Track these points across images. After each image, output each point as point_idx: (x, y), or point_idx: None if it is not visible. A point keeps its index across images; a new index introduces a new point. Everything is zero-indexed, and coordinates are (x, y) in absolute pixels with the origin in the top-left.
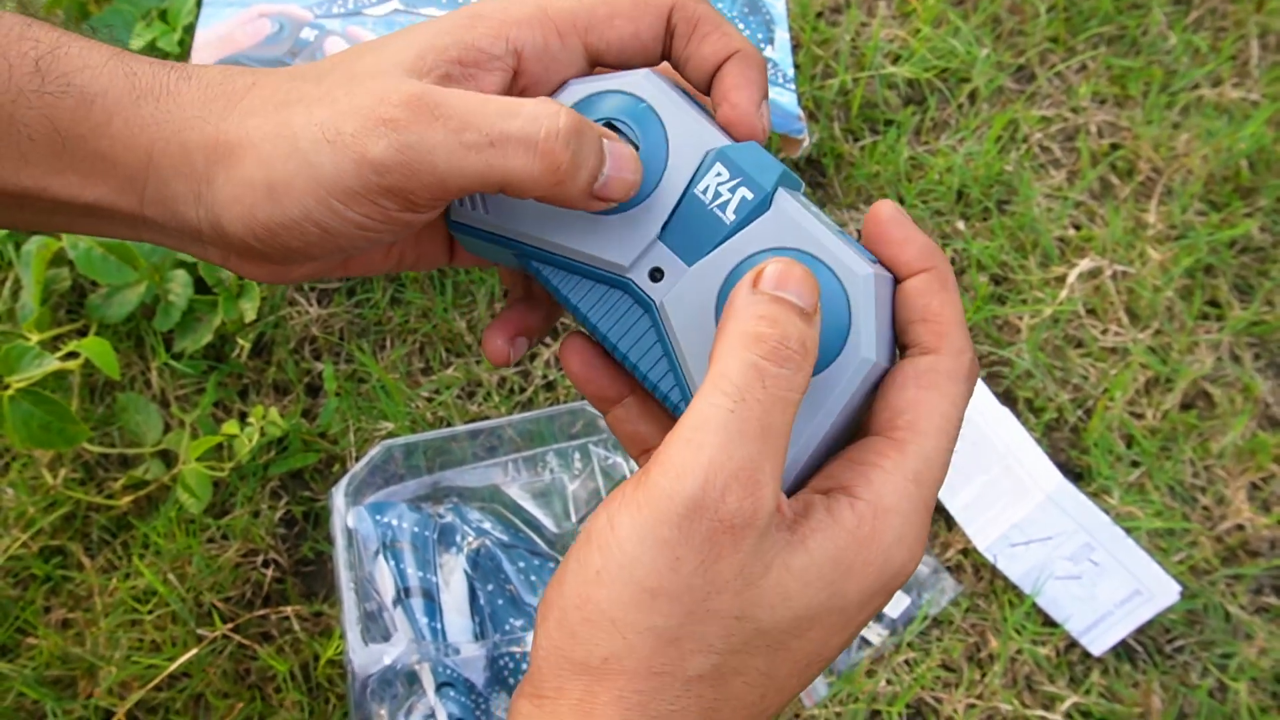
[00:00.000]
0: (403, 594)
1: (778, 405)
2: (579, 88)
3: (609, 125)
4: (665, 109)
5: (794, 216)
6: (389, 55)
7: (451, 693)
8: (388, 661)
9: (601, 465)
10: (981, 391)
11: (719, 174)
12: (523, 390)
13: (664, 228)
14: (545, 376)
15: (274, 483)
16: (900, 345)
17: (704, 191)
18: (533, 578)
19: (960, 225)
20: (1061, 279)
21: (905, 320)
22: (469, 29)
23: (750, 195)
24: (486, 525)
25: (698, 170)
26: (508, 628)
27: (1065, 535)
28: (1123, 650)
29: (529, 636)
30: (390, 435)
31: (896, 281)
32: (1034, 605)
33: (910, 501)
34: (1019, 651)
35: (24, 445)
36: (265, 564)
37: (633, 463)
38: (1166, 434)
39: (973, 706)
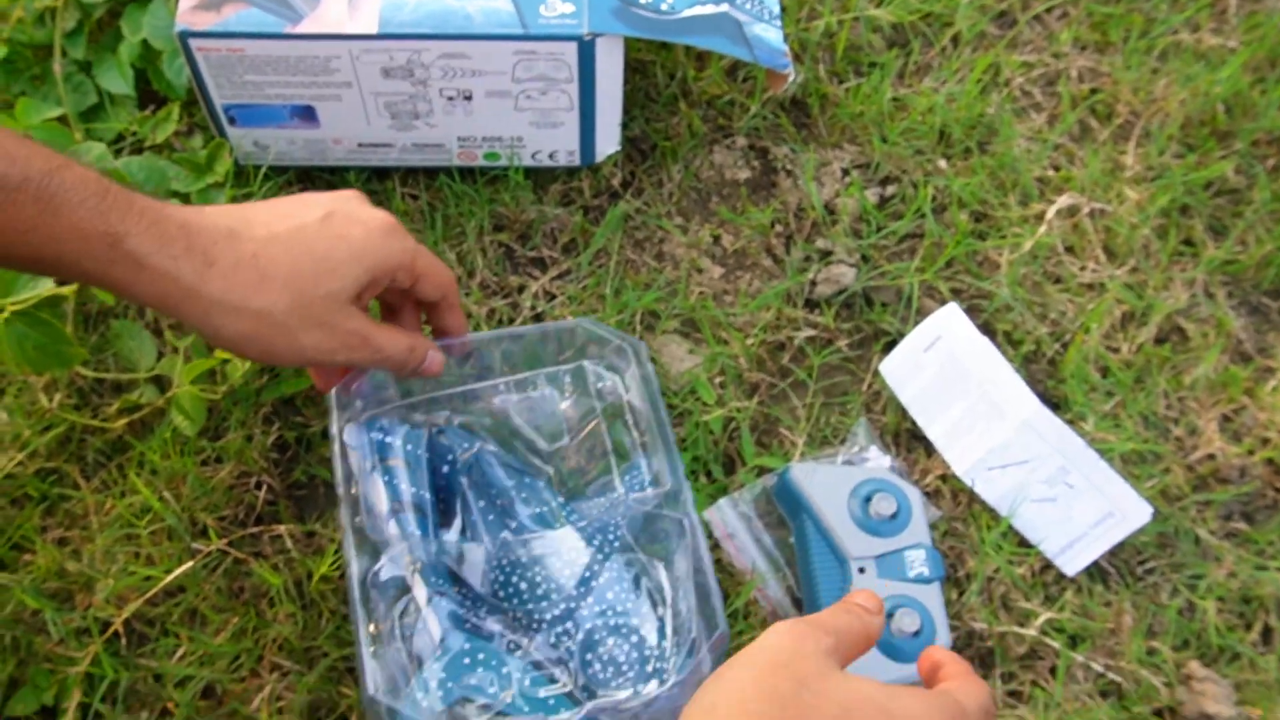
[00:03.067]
0: (397, 507)
1: None
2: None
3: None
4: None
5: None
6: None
7: (444, 602)
8: (383, 572)
9: (595, 386)
10: (961, 321)
11: (917, 557)
12: (511, 320)
13: (877, 557)
14: (534, 308)
15: (266, 408)
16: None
17: (912, 561)
18: (524, 494)
19: (942, 164)
20: (1040, 216)
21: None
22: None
23: (928, 572)
24: (480, 443)
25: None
26: (500, 538)
27: (1041, 459)
28: (1096, 571)
29: (521, 549)
30: None
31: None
32: (1010, 527)
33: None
34: (996, 571)
35: (19, 369)
36: (258, 485)
37: (629, 379)
38: (1141, 366)
39: (951, 627)
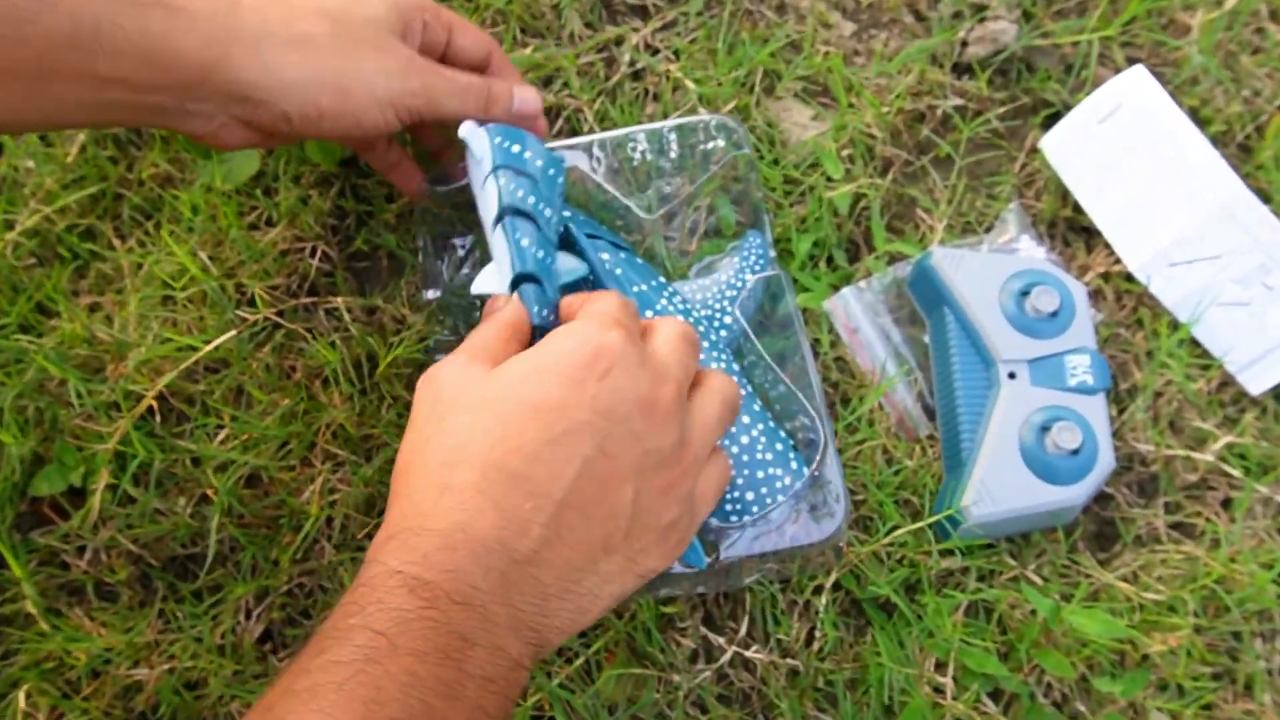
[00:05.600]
0: (505, 213)
1: None
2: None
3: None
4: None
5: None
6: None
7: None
8: (477, 286)
9: (703, 147)
10: (1149, 87)
11: (1081, 362)
12: (607, 77)
13: (1031, 361)
14: (633, 63)
15: (323, 168)
16: None
17: (1074, 368)
18: (617, 271)
19: None
20: None
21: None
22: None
23: (1092, 381)
24: (566, 214)
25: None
26: None
27: (1237, 254)
28: None
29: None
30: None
31: None
32: (1189, 335)
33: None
34: (1167, 385)
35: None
36: (313, 253)
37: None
38: None
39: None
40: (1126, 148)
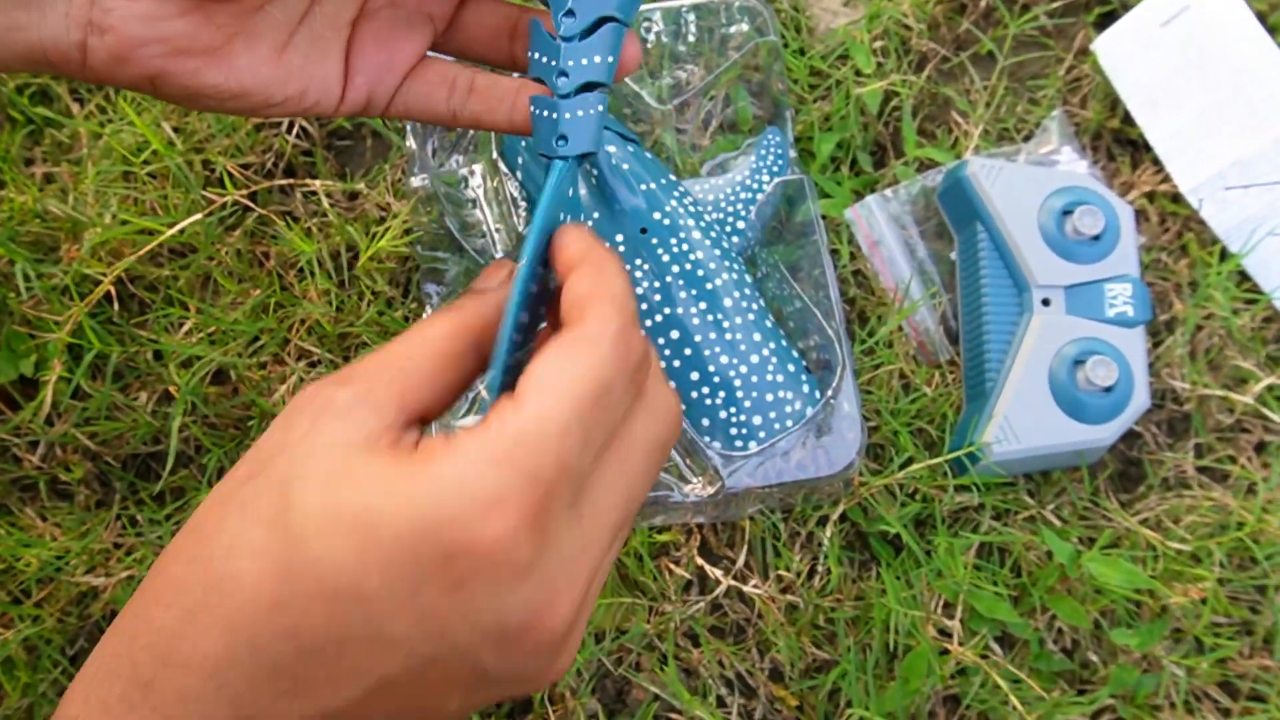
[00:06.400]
0: None
1: None
2: None
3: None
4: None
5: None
6: None
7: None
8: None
9: (722, 32)
10: None
11: (1122, 291)
12: None
13: (1068, 288)
14: None
15: None
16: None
17: (1114, 297)
18: (624, 166)
19: None
20: None
21: (564, 313)
22: None
23: (1132, 313)
24: None
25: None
26: (593, 219)
27: None
28: None
29: (619, 236)
30: None
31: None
32: (1239, 266)
33: (486, 455)
34: (1208, 318)
35: None
36: (290, 129)
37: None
38: None
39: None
40: (1191, 55)
